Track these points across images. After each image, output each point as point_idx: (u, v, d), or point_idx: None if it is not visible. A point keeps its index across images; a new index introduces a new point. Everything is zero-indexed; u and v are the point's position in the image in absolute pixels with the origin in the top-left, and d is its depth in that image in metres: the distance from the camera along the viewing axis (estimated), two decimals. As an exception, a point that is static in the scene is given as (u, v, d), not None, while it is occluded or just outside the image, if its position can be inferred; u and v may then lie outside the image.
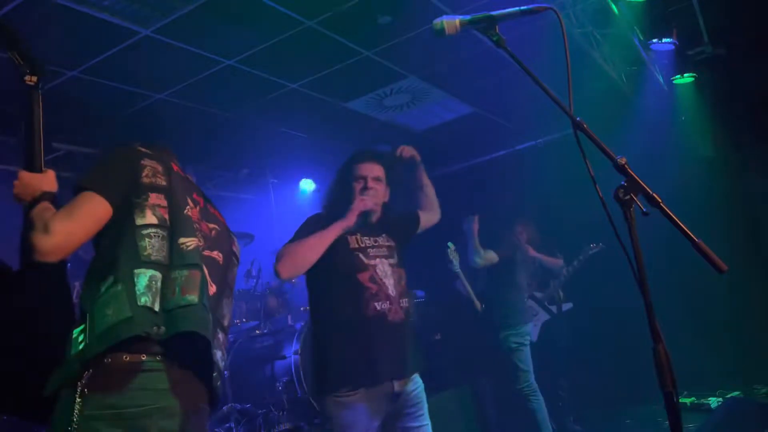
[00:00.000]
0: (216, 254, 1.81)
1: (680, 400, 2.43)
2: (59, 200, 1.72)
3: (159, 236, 1.64)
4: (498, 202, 5.42)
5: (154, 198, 1.69)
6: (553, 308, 5.28)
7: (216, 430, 3.77)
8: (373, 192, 2.56)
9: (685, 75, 5.33)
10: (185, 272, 1.63)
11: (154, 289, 1.57)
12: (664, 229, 1.39)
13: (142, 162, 1.72)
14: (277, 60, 4.20)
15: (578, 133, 1.44)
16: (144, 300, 1.54)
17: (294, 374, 4.06)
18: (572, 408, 5.08)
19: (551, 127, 6.05)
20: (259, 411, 3.91)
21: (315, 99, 4.97)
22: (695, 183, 5.36)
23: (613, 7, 4.26)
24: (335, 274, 2.43)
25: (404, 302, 2.46)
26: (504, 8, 1.56)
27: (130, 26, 3.48)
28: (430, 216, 2.88)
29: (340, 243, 2.43)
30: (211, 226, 1.86)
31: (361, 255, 2.44)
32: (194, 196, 1.85)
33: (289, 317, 4.70)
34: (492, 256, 4.40)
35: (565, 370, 5.16)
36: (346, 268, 2.40)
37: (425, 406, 2.48)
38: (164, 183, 1.73)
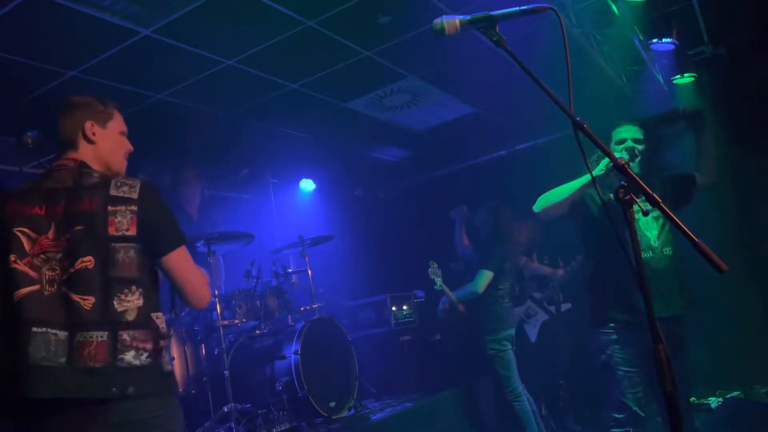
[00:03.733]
0: (80, 263, 1.76)
1: (680, 400, 2.44)
2: None
3: None
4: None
5: None
6: (552, 308, 5.28)
7: (216, 430, 3.77)
8: (632, 150, 2.96)
9: (685, 75, 5.31)
10: (16, 333, 1.69)
11: None
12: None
13: None
14: (277, 60, 4.19)
15: (578, 133, 1.45)
16: None
17: (294, 374, 4.05)
18: (572, 408, 5.07)
19: (551, 127, 6.04)
20: (259, 411, 3.91)
21: (315, 99, 4.97)
22: (695, 183, 5.35)
23: (613, 7, 4.26)
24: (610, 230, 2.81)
25: (667, 250, 2.93)
26: (504, 8, 1.57)
27: (130, 26, 3.48)
28: (705, 180, 3.08)
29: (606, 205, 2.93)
30: (71, 234, 1.79)
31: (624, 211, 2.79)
32: (45, 212, 1.81)
33: (289, 317, 4.69)
34: (488, 277, 4.39)
35: (565, 370, 5.15)
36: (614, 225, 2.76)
37: (685, 341, 2.94)
38: None
